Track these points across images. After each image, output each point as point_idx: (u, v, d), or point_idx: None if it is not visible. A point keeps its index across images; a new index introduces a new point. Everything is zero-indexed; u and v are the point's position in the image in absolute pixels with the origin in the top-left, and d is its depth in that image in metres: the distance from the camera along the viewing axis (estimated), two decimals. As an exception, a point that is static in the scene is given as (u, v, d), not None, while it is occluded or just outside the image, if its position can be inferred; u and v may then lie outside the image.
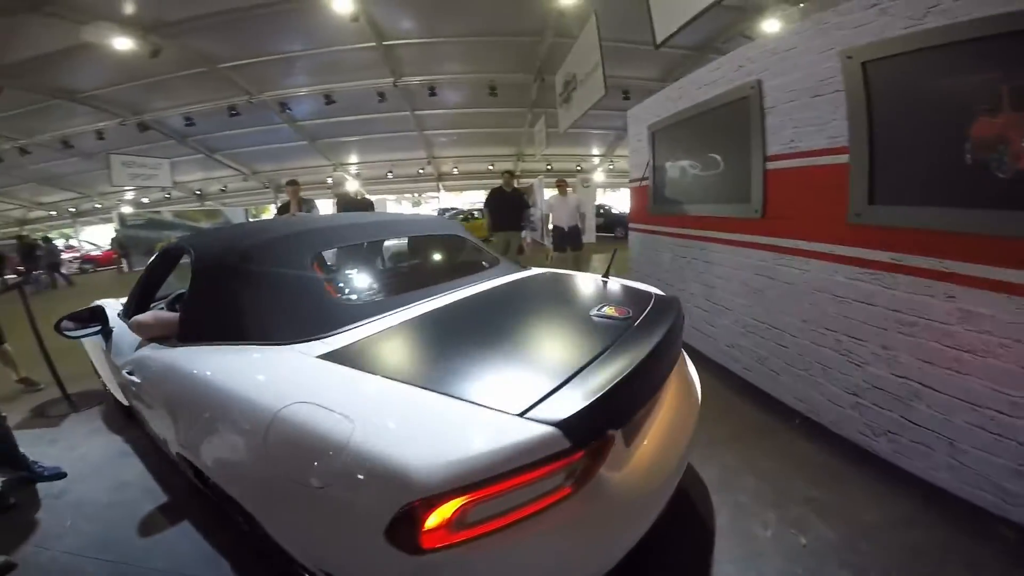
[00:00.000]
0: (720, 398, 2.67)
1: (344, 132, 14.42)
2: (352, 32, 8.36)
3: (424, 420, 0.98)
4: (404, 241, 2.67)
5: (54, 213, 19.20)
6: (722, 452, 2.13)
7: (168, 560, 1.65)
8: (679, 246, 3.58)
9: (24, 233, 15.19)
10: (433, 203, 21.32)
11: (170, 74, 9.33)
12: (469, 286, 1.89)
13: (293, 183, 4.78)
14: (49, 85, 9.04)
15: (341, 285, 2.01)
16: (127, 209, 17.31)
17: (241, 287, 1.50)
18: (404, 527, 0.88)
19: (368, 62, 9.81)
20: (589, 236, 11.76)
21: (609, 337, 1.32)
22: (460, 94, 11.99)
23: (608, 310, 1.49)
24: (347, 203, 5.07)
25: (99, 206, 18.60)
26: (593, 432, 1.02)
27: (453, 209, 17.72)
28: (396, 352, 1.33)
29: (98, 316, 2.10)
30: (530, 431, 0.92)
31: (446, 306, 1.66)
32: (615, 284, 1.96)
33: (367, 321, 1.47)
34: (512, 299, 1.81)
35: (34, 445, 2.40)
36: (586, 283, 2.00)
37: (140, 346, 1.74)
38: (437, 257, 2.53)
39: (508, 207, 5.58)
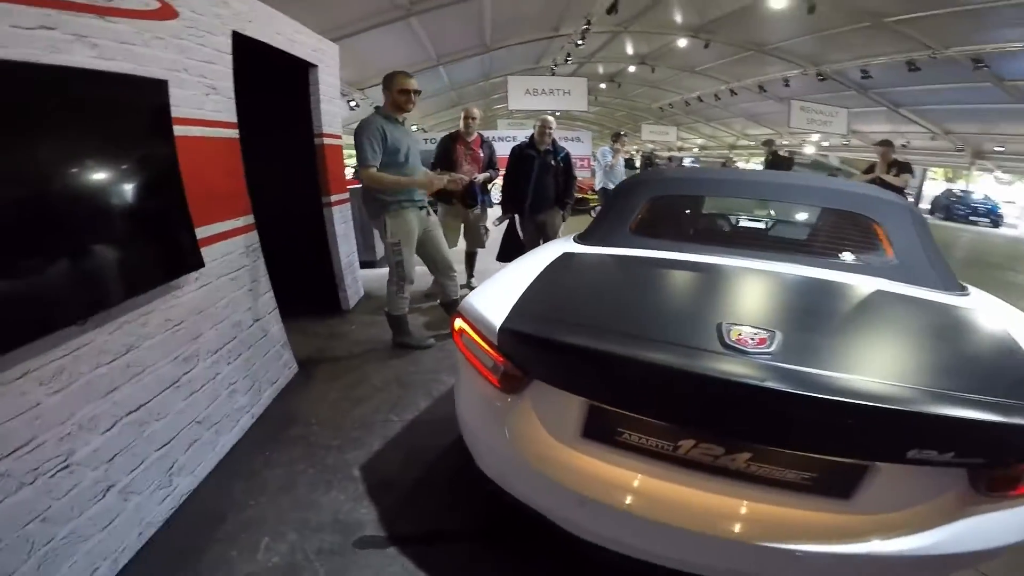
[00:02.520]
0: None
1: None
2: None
3: (506, 294, 1.39)
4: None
5: (753, 143, 23.68)
6: None
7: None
8: None
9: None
10: None
11: (837, 28, 9.32)
12: (791, 265, 1.72)
13: (885, 143, 5.06)
14: (743, 38, 11.22)
15: (657, 221, 2.16)
16: (809, 149, 19.35)
17: (603, 208, 2.28)
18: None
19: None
20: None
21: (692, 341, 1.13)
22: None
23: (736, 332, 1.12)
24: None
25: (786, 143, 21.29)
26: (510, 351, 1.23)
27: None
28: (584, 264, 1.76)
29: None
30: (496, 317, 1.27)
31: (707, 265, 1.70)
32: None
33: (629, 247, 1.86)
34: (775, 294, 1.58)
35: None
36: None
37: None
38: (805, 229, 2.30)
39: None
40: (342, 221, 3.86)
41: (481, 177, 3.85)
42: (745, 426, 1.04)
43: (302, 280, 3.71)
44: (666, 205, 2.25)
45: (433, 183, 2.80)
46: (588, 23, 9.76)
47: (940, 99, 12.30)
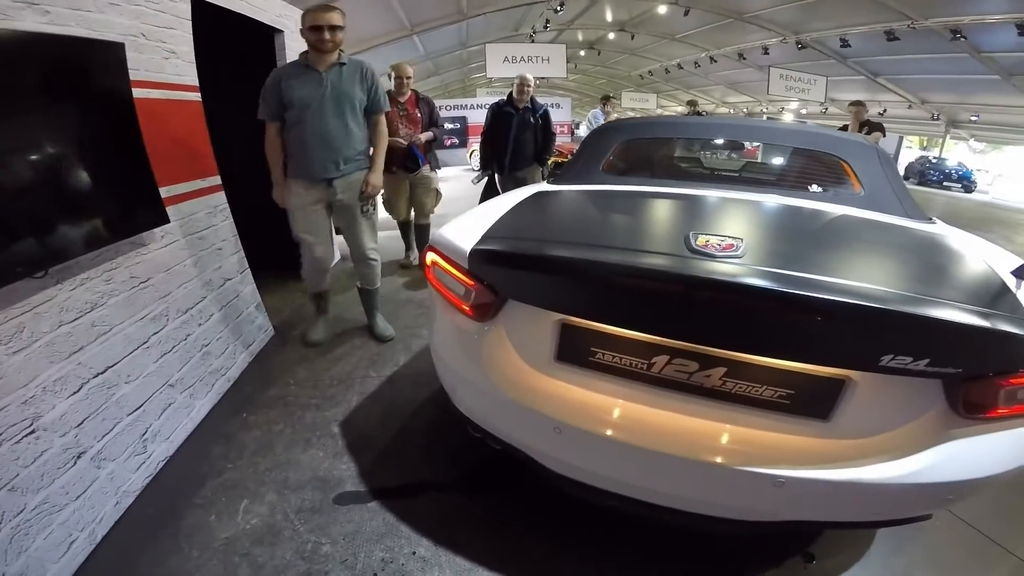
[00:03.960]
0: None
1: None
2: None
3: (478, 224, 1.35)
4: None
5: (732, 111, 23.73)
6: None
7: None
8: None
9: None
10: None
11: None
12: (760, 195, 1.76)
13: (857, 103, 5.07)
14: (723, 5, 11.09)
15: (630, 161, 2.19)
16: (788, 117, 19.54)
17: (576, 151, 2.21)
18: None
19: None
20: None
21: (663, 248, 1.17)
22: None
23: (702, 239, 1.13)
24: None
25: (765, 110, 21.35)
26: (481, 273, 1.22)
27: None
28: (556, 198, 1.76)
29: None
30: (467, 244, 1.25)
31: (677, 195, 1.75)
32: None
33: (598, 184, 1.90)
34: (731, 214, 1.58)
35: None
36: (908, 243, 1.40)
37: None
38: (775, 168, 2.38)
39: None
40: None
41: (423, 137, 3.55)
42: (712, 328, 1.02)
43: (276, 244, 3.63)
44: (638, 147, 2.25)
45: (279, 198, 2.34)
46: (567, -13, 9.52)
47: (917, 69, 12.50)
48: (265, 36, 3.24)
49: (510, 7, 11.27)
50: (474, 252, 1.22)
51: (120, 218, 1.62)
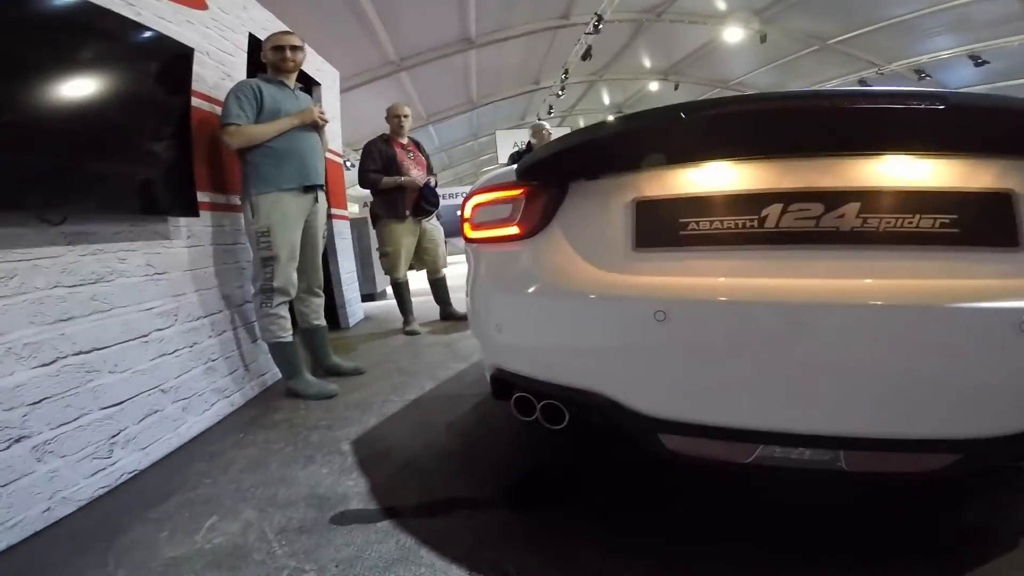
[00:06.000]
0: None
1: (1025, 99, 10.07)
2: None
3: None
4: None
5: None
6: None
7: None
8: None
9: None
10: None
11: (790, 56, 9.96)
12: None
13: None
14: (708, 76, 11.89)
15: None
16: None
17: None
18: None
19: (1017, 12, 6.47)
20: None
21: None
22: None
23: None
24: None
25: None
26: (535, 176, 1.08)
27: None
28: None
29: None
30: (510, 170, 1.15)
31: None
32: None
33: None
34: None
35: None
36: None
37: None
38: None
39: None
40: (342, 237, 3.87)
41: (434, 180, 3.40)
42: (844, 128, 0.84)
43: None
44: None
45: (310, 113, 2.17)
46: (566, 72, 10.31)
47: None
48: (306, 86, 3.35)
49: (515, 95, 12.25)
50: (525, 166, 1.11)
51: (151, 194, 1.64)
